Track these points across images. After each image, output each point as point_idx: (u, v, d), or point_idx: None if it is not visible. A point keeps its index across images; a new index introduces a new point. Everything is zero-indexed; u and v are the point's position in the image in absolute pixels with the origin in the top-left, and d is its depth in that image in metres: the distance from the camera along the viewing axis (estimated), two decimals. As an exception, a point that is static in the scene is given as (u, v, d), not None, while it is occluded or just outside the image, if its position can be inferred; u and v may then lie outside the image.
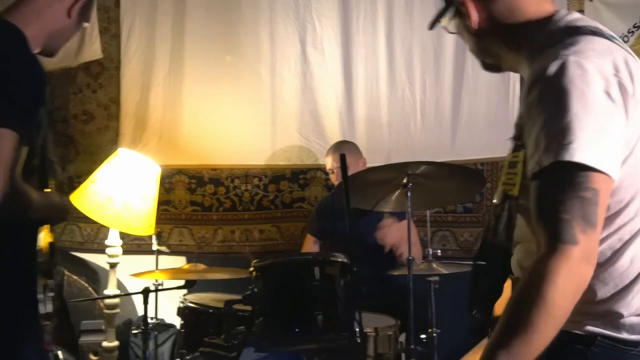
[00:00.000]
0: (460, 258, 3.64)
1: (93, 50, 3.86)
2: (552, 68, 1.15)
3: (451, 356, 2.34)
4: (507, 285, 1.38)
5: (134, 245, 3.75)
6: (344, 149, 3.14)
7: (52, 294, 1.71)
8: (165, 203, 3.84)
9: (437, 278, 2.74)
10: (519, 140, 1.27)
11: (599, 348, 1.21)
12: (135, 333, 3.07)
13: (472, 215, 3.77)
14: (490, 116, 3.69)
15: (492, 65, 1.46)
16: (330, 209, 3.46)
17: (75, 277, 3.59)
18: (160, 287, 2.96)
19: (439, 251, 2.90)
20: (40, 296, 1.65)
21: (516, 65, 1.38)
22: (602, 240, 1.18)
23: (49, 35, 1.70)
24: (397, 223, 3.01)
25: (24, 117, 1.51)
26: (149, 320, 2.85)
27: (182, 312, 2.79)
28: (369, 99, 3.80)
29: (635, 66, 1.21)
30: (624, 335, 1.21)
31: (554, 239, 1.10)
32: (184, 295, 2.89)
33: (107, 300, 3.38)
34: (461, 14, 1.38)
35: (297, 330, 2.10)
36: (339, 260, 2.17)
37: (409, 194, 2.58)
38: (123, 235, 3.42)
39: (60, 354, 3.01)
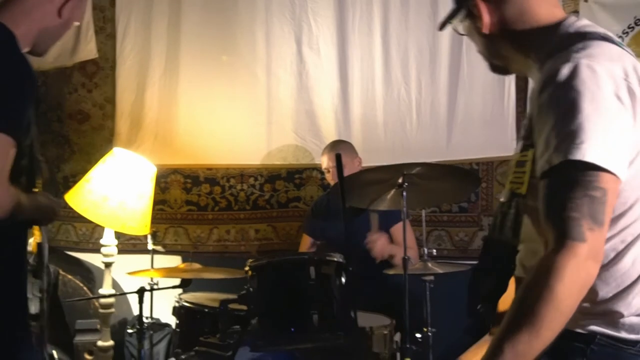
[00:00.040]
0: (455, 257, 3.66)
1: (88, 49, 3.85)
2: (565, 70, 1.18)
3: (446, 355, 2.35)
4: (512, 282, 1.42)
5: (129, 244, 3.74)
6: (339, 149, 3.15)
7: (40, 295, 1.71)
8: (160, 202, 3.83)
9: (432, 277, 2.75)
10: (527, 140, 1.30)
11: (598, 346, 1.24)
12: (131, 332, 3.06)
13: (467, 215, 3.78)
14: (486, 116, 3.71)
15: (500, 67, 1.48)
16: (325, 209, 3.46)
17: (70, 276, 3.59)
18: (155, 287, 2.95)
19: (434, 251, 2.91)
20: (29, 296, 1.65)
21: (525, 68, 1.41)
22: (606, 242, 1.20)
23: (38, 35, 1.69)
24: (381, 238, 3.05)
25: (15, 119, 1.50)
26: (144, 320, 2.84)
27: (177, 311, 2.79)
28: (365, 99, 3.81)
29: None
30: (623, 335, 1.24)
31: (562, 235, 1.12)
32: (179, 294, 2.89)
33: (102, 300, 3.37)
34: (472, 16, 1.40)
35: (292, 329, 2.10)
36: (335, 259, 2.18)
37: (404, 193, 2.58)
38: (118, 235, 3.42)
39: (55, 353, 3.00)
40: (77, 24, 1.81)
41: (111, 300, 3.38)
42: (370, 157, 3.54)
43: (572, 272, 1.10)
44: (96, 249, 3.55)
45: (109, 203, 3.12)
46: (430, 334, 2.70)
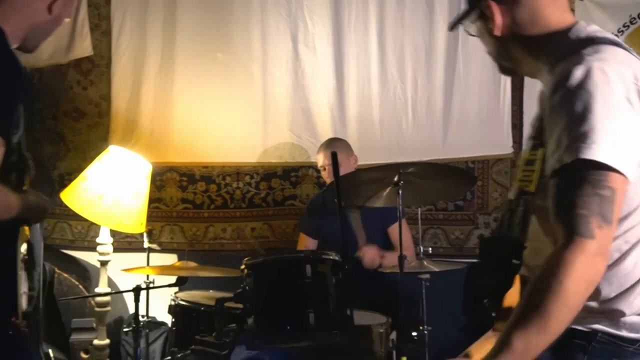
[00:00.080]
0: (451, 256, 3.67)
1: (84, 47, 3.84)
2: (578, 72, 1.21)
3: (442, 353, 2.36)
4: (517, 279, 1.45)
5: (124, 243, 3.74)
6: (335, 147, 3.14)
7: (29, 293, 1.70)
8: (156, 200, 3.83)
9: (428, 276, 2.75)
10: (536, 139, 1.33)
11: (599, 344, 1.28)
12: (127, 331, 3.06)
13: (463, 213, 3.78)
14: (482, 115, 3.72)
15: (509, 69, 1.50)
16: (321, 207, 3.46)
17: (65, 275, 3.58)
18: (151, 285, 2.95)
19: (430, 249, 2.92)
20: (20, 294, 1.64)
21: (534, 71, 1.43)
22: None
23: (29, 31, 1.67)
24: (371, 251, 3.07)
25: (5, 118, 1.49)
26: (140, 318, 2.84)
27: (173, 310, 2.79)
28: (361, 97, 3.81)
29: None
30: (624, 333, 1.27)
31: (571, 232, 1.15)
32: (175, 293, 2.89)
33: (98, 298, 3.36)
34: (485, 17, 1.42)
35: (288, 328, 2.10)
36: (331, 258, 2.17)
37: (400, 192, 2.58)
38: (114, 233, 3.41)
39: (50, 352, 3.00)
40: (67, 20, 1.80)
41: (107, 298, 3.37)
42: (366, 155, 3.54)
43: (581, 267, 1.13)
44: (92, 247, 3.54)
45: (105, 201, 3.11)
46: (426, 332, 2.71)
